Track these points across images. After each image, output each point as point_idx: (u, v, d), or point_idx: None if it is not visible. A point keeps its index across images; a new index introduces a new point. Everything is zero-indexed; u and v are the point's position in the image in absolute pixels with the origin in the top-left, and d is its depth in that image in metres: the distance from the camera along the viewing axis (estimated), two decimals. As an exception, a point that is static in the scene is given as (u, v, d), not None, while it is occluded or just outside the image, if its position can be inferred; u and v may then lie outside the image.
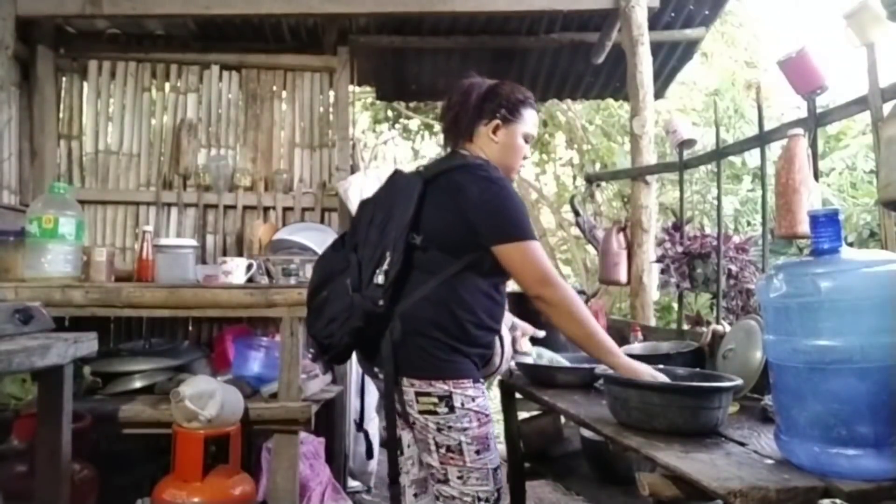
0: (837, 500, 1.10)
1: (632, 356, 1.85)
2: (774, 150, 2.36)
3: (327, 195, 3.80)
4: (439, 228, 1.60)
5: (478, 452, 1.55)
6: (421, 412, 1.56)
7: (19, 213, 3.18)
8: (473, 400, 1.56)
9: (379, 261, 1.58)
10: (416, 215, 1.59)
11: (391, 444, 1.68)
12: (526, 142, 1.77)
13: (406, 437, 1.69)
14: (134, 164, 3.80)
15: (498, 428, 2.90)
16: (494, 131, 1.72)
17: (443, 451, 1.56)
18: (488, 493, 1.56)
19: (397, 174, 1.76)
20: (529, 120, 1.76)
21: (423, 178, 1.65)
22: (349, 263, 1.65)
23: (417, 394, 1.56)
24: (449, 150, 1.79)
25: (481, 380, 1.63)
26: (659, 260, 2.62)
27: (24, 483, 2.06)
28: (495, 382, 2.38)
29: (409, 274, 1.60)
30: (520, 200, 1.63)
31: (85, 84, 3.83)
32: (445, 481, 1.56)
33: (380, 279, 1.56)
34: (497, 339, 1.71)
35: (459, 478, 1.55)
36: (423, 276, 1.60)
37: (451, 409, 1.54)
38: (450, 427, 1.55)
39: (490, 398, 1.70)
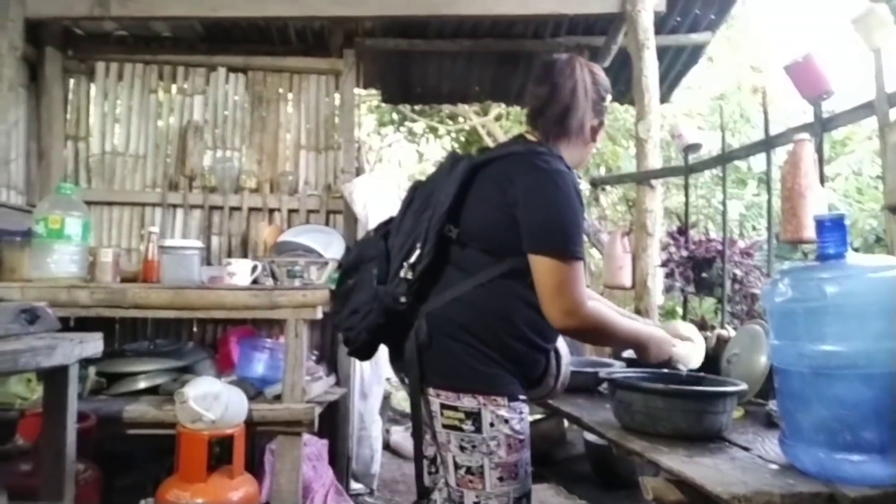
0: (842, 506, 1.10)
1: (634, 362, 1.84)
2: (780, 154, 2.36)
3: (332, 197, 3.81)
4: (481, 223, 1.42)
5: (500, 479, 1.37)
6: (445, 426, 1.39)
7: (26, 213, 3.19)
8: (506, 422, 1.37)
9: (408, 252, 1.42)
10: (456, 204, 1.42)
11: (417, 455, 1.52)
12: None
13: (434, 452, 1.54)
14: (140, 165, 3.82)
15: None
16: (597, 131, 1.56)
17: (462, 471, 1.38)
18: None
19: (449, 156, 1.58)
20: None
21: (472, 162, 1.46)
22: (380, 251, 1.51)
23: (443, 406, 1.39)
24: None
25: (521, 396, 1.42)
26: (664, 264, 2.62)
27: (29, 482, 2.07)
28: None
29: (442, 270, 1.43)
30: (576, 203, 1.38)
31: (92, 85, 3.85)
32: None
33: (406, 273, 1.41)
34: (553, 357, 1.53)
35: (476, 503, 1.38)
36: (458, 275, 1.42)
37: (478, 428, 1.36)
38: (474, 447, 1.37)
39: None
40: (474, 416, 1.36)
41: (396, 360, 1.55)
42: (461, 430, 1.37)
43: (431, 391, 1.41)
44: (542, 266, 1.35)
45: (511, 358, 1.41)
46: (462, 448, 1.38)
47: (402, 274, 1.41)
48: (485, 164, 1.46)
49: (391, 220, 1.59)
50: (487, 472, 1.36)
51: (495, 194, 1.41)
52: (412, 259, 1.41)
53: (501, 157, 1.46)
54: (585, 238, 3.87)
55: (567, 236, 1.35)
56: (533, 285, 1.37)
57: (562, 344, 1.57)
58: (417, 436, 1.49)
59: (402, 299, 1.41)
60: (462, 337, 1.38)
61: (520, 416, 1.41)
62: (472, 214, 1.43)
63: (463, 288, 1.40)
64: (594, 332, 1.43)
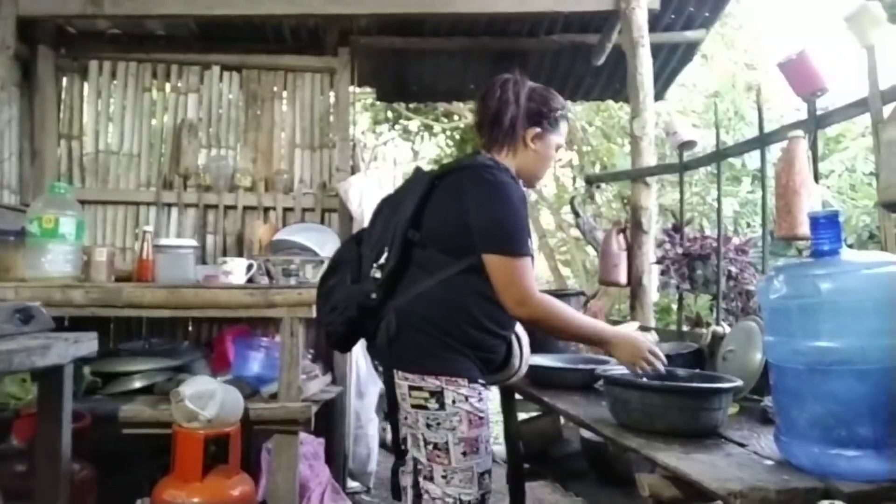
0: (837, 501, 1.10)
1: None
2: (774, 151, 2.36)
3: (327, 196, 3.80)
4: (439, 228, 1.61)
5: (464, 454, 1.53)
6: (413, 406, 1.55)
7: (20, 212, 3.18)
8: (466, 400, 1.54)
9: (378, 255, 1.63)
10: (418, 212, 1.61)
11: (395, 437, 1.66)
12: (555, 151, 1.79)
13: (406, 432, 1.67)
14: (134, 164, 3.80)
15: (497, 429, 2.92)
16: (534, 139, 1.71)
17: (430, 447, 1.54)
18: (471, 496, 1.53)
19: (415, 171, 1.78)
20: (563, 131, 1.78)
21: (432, 175, 1.66)
22: (353, 255, 1.72)
23: (410, 388, 1.56)
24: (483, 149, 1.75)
25: (480, 380, 1.59)
26: (659, 261, 2.62)
27: (24, 483, 2.06)
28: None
29: (407, 270, 1.62)
30: (519, 209, 1.58)
31: (85, 84, 3.84)
32: (430, 479, 1.54)
33: (376, 273, 1.61)
34: (515, 341, 1.70)
35: (443, 477, 1.53)
36: (421, 274, 1.60)
37: (442, 405, 1.52)
38: (438, 424, 1.53)
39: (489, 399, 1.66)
40: (437, 395, 1.53)
41: (371, 349, 1.75)
42: (427, 408, 1.54)
43: (400, 375, 1.58)
44: (493, 263, 1.55)
45: (471, 345, 1.58)
46: (428, 426, 1.54)
47: (372, 274, 1.62)
48: (442, 176, 1.65)
49: (366, 228, 1.81)
50: (452, 447, 1.53)
51: (450, 203, 1.60)
52: (381, 261, 1.62)
53: (456, 170, 1.66)
54: (581, 236, 3.89)
55: (512, 237, 1.55)
56: (487, 280, 1.56)
57: (520, 329, 1.74)
58: (394, 417, 1.64)
59: (373, 295, 1.60)
60: (426, 328, 1.56)
61: (479, 395, 1.57)
62: (431, 220, 1.62)
63: (425, 285, 1.59)
64: (546, 320, 1.59)
